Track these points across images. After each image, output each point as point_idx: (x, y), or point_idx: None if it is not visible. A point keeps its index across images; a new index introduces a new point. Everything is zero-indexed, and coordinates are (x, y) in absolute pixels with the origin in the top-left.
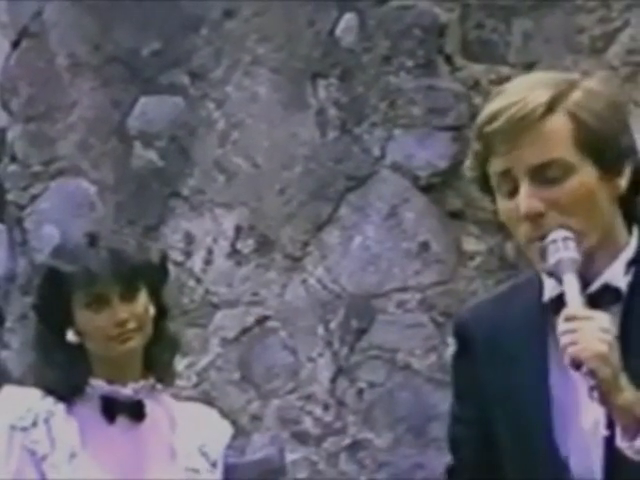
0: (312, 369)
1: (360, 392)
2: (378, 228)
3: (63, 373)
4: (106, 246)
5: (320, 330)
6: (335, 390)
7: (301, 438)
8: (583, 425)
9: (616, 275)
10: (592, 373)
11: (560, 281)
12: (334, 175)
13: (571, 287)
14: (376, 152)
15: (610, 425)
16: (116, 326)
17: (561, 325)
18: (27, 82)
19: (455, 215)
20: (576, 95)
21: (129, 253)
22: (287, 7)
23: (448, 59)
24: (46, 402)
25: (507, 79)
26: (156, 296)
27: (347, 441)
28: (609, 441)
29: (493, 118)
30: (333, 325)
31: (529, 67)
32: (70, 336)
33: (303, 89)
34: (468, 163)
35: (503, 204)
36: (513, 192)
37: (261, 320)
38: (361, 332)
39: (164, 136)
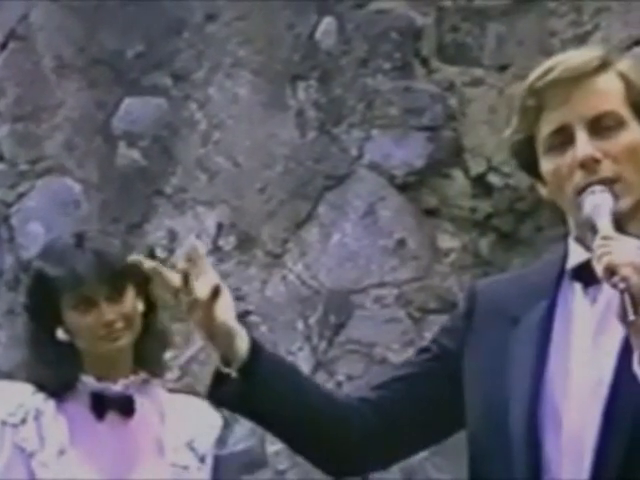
0: (292, 362)
1: (338, 385)
2: (356, 226)
3: (54, 370)
4: (91, 248)
5: (299, 325)
6: None
7: None
8: (578, 391)
9: None
10: (624, 280)
11: (594, 230)
12: (313, 174)
13: (606, 227)
14: (354, 152)
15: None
16: (104, 326)
17: (596, 243)
18: (14, 83)
19: (430, 213)
20: (624, 61)
21: (114, 254)
22: (267, 11)
23: (424, 62)
24: (36, 398)
25: (481, 81)
26: (144, 292)
27: None
28: (610, 401)
29: (548, 71)
30: (312, 320)
31: (503, 69)
32: (60, 334)
33: (283, 91)
34: (513, 125)
35: (552, 161)
36: (565, 146)
37: (242, 315)
38: (339, 327)
39: (147, 136)
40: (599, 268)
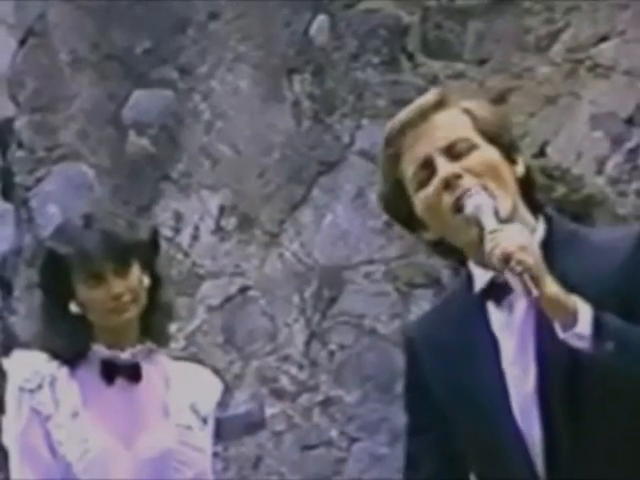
0: (288, 333)
1: (331, 353)
2: (347, 207)
3: (67, 340)
4: (99, 227)
5: (295, 298)
6: (309, 352)
7: (279, 394)
8: (527, 391)
9: None
10: (520, 263)
11: (480, 227)
12: (308, 160)
13: (491, 222)
14: (345, 140)
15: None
16: (112, 300)
17: (485, 239)
18: (32, 76)
19: None
20: (464, 100)
21: (120, 233)
22: (266, 10)
23: (410, 56)
24: (51, 365)
25: (462, 74)
26: (149, 268)
27: (320, 397)
28: (543, 403)
29: (395, 122)
30: (307, 294)
31: (482, 63)
32: (73, 308)
33: (280, 83)
34: (380, 181)
35: (423, 195)
36: (431, 178)
37: (242, 290)
38: (332, 300)
39: (155, 125)
40: (494, 261)
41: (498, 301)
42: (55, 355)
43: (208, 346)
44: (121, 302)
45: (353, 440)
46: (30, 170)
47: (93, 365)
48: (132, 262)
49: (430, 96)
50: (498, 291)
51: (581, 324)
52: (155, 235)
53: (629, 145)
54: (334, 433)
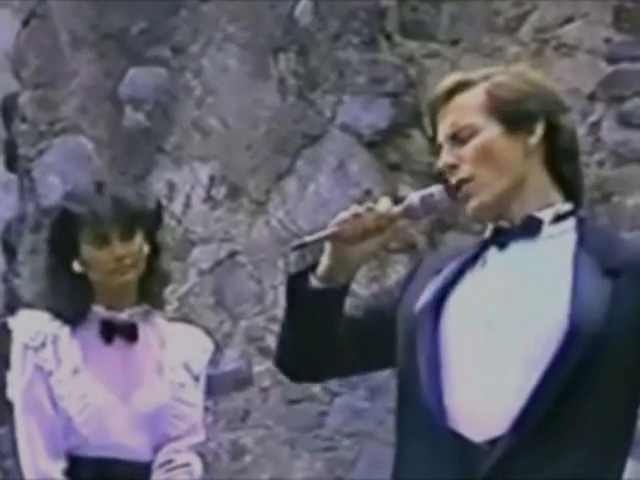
0: (274, 295)
1: None
2: (329, 178)
3: (69, 300)
4: (110, 193)
5: (280, 263)
6: None
7: (265, 353)
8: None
9: (545, 216)
10: None
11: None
12: (292, 134)
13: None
14: (328, 114)
15: None
16: (115, 261)
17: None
18: (35, 55)
19: (393, 167)
20: (496, 78)
21: (129, 200)
22: None
23: (388, 37)
24: (53, 325)
25: (437, 53)
26: (151, 237)
27: None
28: None
29: (430, 97)
30: (291, 259)
31: (455, 43)
32: (76, 266)
33: (266, 62)
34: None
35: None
36: (439, 153)
37: (231, 254)
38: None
39: (150, 101)
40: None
41: (500, 246)
42: (57, 314)
43: (199, 307)
44: (122, 264)
45: (334, 395)
46: (33, 143)
47: (93, 325)
48: (137, 229)
49: (454, 78)
50: (500, 235)
51: None
52: (159, 208)
53: (591, 119)
54: (317, 388)
